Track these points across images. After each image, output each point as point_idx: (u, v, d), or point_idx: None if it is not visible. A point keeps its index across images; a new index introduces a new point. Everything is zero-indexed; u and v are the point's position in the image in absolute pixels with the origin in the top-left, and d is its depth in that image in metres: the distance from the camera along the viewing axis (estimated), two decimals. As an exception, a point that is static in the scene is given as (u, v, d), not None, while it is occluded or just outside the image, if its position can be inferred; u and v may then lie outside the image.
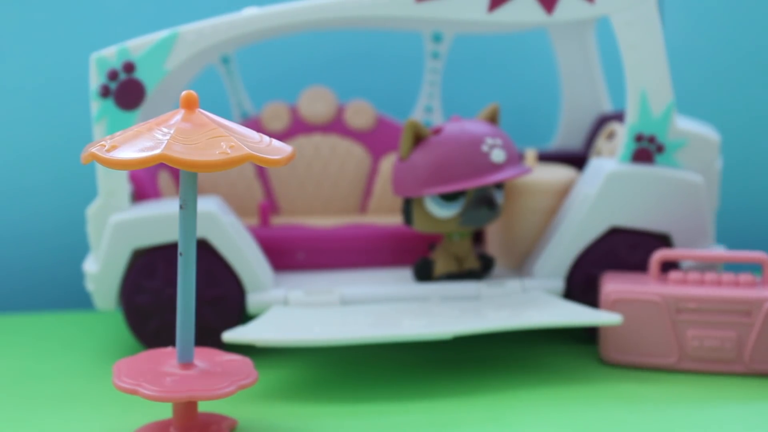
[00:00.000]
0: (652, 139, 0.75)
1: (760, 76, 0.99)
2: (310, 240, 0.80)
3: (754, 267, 0.91)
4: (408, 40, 0.92)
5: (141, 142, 0.53)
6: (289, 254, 0.80)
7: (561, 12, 0.73)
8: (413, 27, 0.86)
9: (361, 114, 0.87)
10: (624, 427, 0.62)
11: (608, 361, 0.72)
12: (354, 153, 0.87)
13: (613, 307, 0.71)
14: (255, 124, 0.86)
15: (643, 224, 0.75)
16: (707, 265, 0.77)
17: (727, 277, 0.71)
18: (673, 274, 0.72)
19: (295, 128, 0.86)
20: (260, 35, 0.79)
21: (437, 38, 0.86)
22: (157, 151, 0.52)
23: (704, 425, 0.62)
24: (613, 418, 0.63)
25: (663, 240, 0.76)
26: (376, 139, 0.87)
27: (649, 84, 0.74)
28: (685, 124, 0.77)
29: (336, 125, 0.87)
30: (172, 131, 0.54)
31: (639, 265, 0.75)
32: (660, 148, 0.75)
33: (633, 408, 0.64)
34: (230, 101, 0.88)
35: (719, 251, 0.75)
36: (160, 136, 0.54)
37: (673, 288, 0.70)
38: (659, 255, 0.73)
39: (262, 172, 0.86)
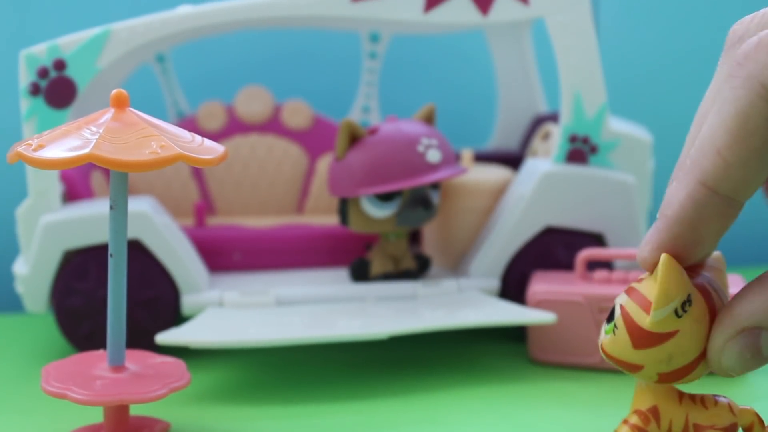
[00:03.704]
0: (585, 140, 0.76)
1: (691, 78, 1.01)
2: (246, 240, 0.80)
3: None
4: (346, 40, 0.92)
5: (69, 141, 0.52)
6: (224, 255, 0.79)
7: (496, 13, 0.73)
8: (350, 27, 0.86)
9: (298, 114, 0.86)
10: (557, 425, 0.62)
11: (536, 361, 0.73)
12: (291, 153, 0.86)
13: (538, 307, 0.71)
14: (191, 124, 0.85)
15: (577, 224, 0.76)
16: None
17: (652, 276, 0.72)
18: (598, 274, 0.72)
19: (232, 128, 0.86)
20: (195, 33, 0.78)
21: (374, 38, 0.87)
22: (85, 151, 0.51)
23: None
24: (546, 416, 0.63)
25: (597, 239, 0.77)
26: (313, 139, 0.87)
27: (582, 85, 0.74)
28: (618, 125, 0.78)
29: (273, 125, 0.86)
30: (101, 130, 0.53)
31: (573, 265, 0.76)
32: (593, 149, 0.76)
33: (565, 406, 0.65)
34: (166, 100, 0.87)
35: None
36: (89, 136, 0.53)
37: (596, 288, 0.71)
38: (585, 254, 0.73)
39: (197, 172, 0.85)
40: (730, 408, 0.52)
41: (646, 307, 0.48)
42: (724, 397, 0.53)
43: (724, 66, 0.50)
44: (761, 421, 0.53)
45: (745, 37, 0.49)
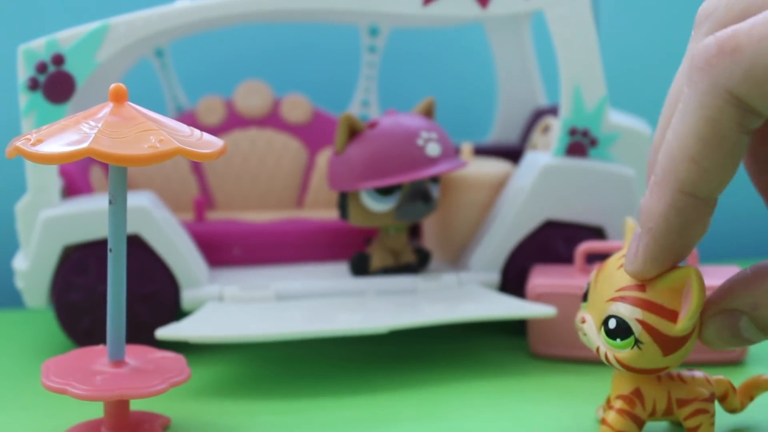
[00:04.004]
0: (585, 133, 0.76)
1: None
2: (246, 235, 0.80)
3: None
4: (345, 33, 0.92)
5: (68, 135, 0.52)
6: (224, 249, 0.79)
7: (495, 6, 0.73)
8: (349, 20, 0.85)
9: (297, 108, 0.86)
10: (557, 418, 0.62)
11: (536, 354, 0.73)
12: (290, 147, 0.86)
13: (538, 300, 0.71)
14: (190, 118, 0.85)
15: (578, 217, 0.76)
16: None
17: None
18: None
19: (231, 122, 0.86)
20: (193, 27, 0.78)
21: (374, 32, 0.86)
22: (84, 145, 0.51)
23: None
24: (547, 410, 0.63)
25: (597, 233, 0.77)
26: (313, 133, 0.86)
27: (582, 78, 0.74)
28: (617, 118, 0.78)
29: (272, 119, 0.86)
30: (99, 125, 0.53)
31: (573, 258, 0.76)
32: (593, 142, 0.76)
33: (565, 400, 0.65)
34: (165, 95, 0.87)
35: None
36: (88, 130, 0.53)
37: None
38: (584, 247, 0.73)
39: (197, 166, 0.85)
40: (707, 379, 0.55)
41: (671, 317, 0.51)
42: (698, 370, 0.56)
43: (693, 44, 0.51)
44: (735, 390, 0.56)
45: (714, 16, 0.49)
